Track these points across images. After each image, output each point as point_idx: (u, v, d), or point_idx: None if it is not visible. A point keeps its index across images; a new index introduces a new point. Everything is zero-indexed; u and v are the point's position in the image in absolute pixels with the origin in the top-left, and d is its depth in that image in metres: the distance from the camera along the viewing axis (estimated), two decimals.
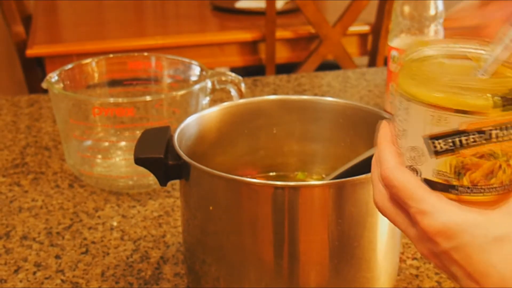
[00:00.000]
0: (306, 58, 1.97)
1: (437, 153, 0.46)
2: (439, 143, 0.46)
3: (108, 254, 0.79)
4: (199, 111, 0.75)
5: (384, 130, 0.49)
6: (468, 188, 0.46)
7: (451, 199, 0.45)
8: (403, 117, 0.48)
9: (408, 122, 0.47)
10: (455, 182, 0.46)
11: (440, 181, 0.46)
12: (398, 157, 0.48)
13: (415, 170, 0.47)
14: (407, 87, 0.47)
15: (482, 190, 0.46)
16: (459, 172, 0.46)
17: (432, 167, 0.47)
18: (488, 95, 0.43)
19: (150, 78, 1.04)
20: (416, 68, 0.47)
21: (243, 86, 0.96)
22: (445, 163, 0.46)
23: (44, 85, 0.91)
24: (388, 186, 0.47)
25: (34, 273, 0.75)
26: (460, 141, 0.45)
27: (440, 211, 0.44)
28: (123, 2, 2.29)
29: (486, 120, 0.43)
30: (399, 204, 0.47)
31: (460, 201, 0.45)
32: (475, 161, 0.45)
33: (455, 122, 0.44)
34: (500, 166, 0.45)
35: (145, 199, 0.91)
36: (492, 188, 0.46)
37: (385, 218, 0.64)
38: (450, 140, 0.45)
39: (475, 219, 0.43)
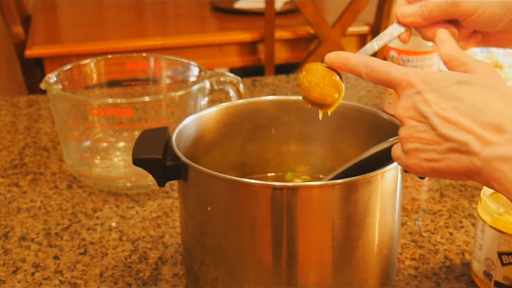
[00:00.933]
0: (305, 59, 1.97)
1: (504, 264, 0.68)
2: (507, 257, 0.67)
3: (106, 254, 0.79)
4: (197, 112, 0.75)
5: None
6: None
7: None
8: (480, 236, 0.70)
9: (483, 240, 0.69)
10: None
11: (506, 283, 0.68)
12: None
13: (488, 275, 0.70)
14: (486, 217, 0.69)
15: None
16: None
17: (502, 273, 0.68)
18: None
19: (149, 78, 1.04)
20: (494, 204, 0.68)
21: (241, 86, 0.96)
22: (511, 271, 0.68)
23: (42, 85, 0.91)
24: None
25: (33, 273, 0.75)
26: None
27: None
28: (122, 2, 2.29)
29: None
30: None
31: None
32: None
33: None
34: None
35: (144, 199, 0.91)
36: None
37: (383, 219, 0.64)
38: None
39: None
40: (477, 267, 0.71)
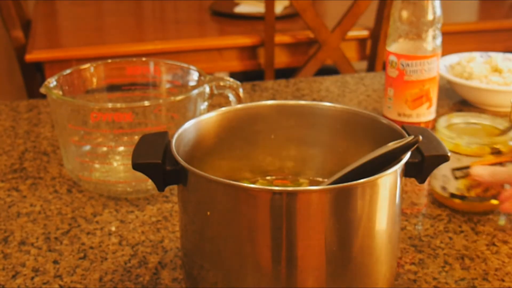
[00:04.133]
0: (305, 63, 1.97)
1: (456, 178, 0.85)
2: (458, 172, 0.84)
3: (106, 259, 0.79)
4: (197, 116, 0.75)
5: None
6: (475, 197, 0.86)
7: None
8: None
9: None
10: (466, 194, 0.86)
11: (458, 193, 0.86)
12: None
13: (444, 188, 0.87)
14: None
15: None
16: (468, 188, 0.85)
17: (455, 186, 0.85)
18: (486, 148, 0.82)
19: (149, 83, 1.04)
20: (447, 132, 0.85)
21: (241, 91, 0.96)
22: (462, 183, 0.85)
23: (42, 90, 0.91)
24: None
25: (32, 278, 0.75)
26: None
27: None
28: (122, 7, 2.30)
29: (482, 161, 0.83)
30: None
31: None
32: (475, 183, 0.84)
33: (468, 161, 0.83)
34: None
35: (144, 204, 0.91)
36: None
37: (383, 223, 0.64)
38: (464, 171, 0.84)
39: None
40: (435, 183, 0.88)
